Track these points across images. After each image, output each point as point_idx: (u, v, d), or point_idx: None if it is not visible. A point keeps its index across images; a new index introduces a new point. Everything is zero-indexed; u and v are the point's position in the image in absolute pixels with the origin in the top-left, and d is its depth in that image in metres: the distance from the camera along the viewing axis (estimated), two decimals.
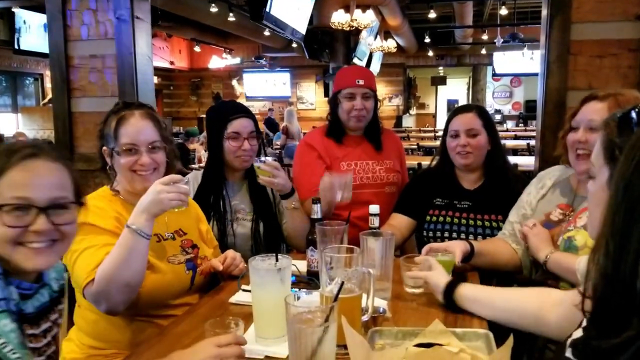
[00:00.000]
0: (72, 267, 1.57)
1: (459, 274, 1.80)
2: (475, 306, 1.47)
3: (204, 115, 2.45)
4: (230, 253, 1.85)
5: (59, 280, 1.29)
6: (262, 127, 12.87)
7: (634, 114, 0.83)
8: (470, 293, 1.49)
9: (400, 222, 2.29)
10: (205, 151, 2.41)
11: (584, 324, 0.91)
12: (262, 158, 2.10)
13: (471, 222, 2.17)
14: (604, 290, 0.82)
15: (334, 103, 2.52)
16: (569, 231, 1.70)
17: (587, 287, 0.86)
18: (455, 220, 2.19)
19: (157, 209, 1.55)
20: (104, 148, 1.75)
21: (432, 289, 1.57)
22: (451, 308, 1.50)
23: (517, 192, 2.06)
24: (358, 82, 2.43)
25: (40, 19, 8.97)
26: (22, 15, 9.07)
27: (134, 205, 1.67)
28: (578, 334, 0.93)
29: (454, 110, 2.33)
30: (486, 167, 2.24)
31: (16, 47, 9.27)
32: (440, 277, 1.56)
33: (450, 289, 1.51)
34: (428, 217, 2.25)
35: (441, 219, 2.22)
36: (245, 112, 2.24)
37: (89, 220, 1.61)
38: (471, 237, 2.14)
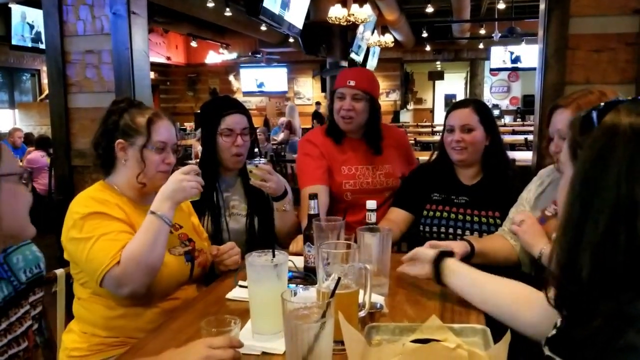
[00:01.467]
0: (85, 254, 1.57)
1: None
2: (456, 280, 1.51)
3: None
4: (228, 244, 1.91)
5: (32, 270, 1.26)
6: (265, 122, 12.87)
7: (594, 114, 0.86)
8: (455, 266, 1.54)
9: (398, 217, 2.29)
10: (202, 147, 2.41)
11: (558, 323, 0.93)
12: (256, 160, 2.10)
13: (468, 217, 2.17)
14: (562, 282, 0.86)
15: (330, 103, 2.54)
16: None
17: (547, 279, 0.91)
18: (452, 215, 2.19)
19: (180, 197, 1.66)
20: (119, 141, 1.75)
21: (421, 258, 1.62)
22: (437, 280, 1.56)
23: (516, 189, 2.05)
24: (349, 82, 2.42)
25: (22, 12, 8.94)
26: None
27: (135, 201, 1.75)
28: (553, 332, 0.94)
29: (452, 105, 2.33)
30: (484, 162, 2.24)
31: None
32: (429, 250, 1.62)
33: (439, 259, 1.56)
34: (425, 212, 2.25)
35: (438, 214, 2.22)
36: (239, 108, 2.25)
37: (97, 209, 1.64)
38: (467, 232, 2.14)
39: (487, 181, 2.23)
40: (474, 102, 2.28)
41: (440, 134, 2.34)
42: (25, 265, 1.23)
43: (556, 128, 1.69)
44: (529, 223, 1.77)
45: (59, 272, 1.79)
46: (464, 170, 2.26)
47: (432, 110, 18.51)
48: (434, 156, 2.37)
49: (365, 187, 2.48)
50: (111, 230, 1.60)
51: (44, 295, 1.31)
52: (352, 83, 2.42)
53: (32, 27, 9.34)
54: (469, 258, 1.83)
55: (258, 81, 16.02)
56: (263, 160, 2.12)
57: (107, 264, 1.54)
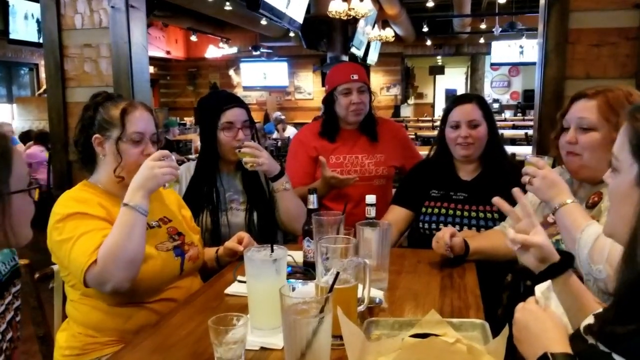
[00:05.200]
0: (67, 255, 1.55)
1: (457, 264, 1.81)
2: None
3: None
4: (245, 235, 1.87)
5: (9, 263, 1.26)
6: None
7: None
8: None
9: (399, 216, 2.26)
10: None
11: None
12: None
13: (466, 213, 2.16)
14: (633, 287, 0.83)
15: (329, 101, 2.60)
16: (559, 234, 1.68)
17: (619, 274, 0.87)
18: (451, 211, 2.18)
19: (152, 184, 1.60)
20: (96, 136, 1.73)
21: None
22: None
23: (514, 183, 2.03)
24: (353, 77, 2.53)
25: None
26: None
27: (117, 196, 1.70)
28: (590, 320, 0.95)
29: (453, 100, 2.30)
30: (484, 157, 2.22)
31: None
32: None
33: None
34: (424, 209, 2.23)
35: (437, 210, 2.20)
36: (238, 102, 2.25)
37: (77, 209, 1.61)
38: (466, 228, 2.13)
39: (485, 176, 2.21)
40: (475, 97, 2.28)
41: (439, 129, 2.31)
42: (3, 258, 1.24)
43: (577, 117, 1.61)
44: (540, 175, 1.56)
45: (56, 267, 1.78)
46: (464, 166, 2.25)
47: (432, 105, 18.49)
48: (433, 151, 2.36)
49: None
50: (91, 228, 1.57)
51: (21, 287, 1.32)
52: (356, 77, 2.53)
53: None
54: (463, 257, 1.84)
55: (258, 76, 15.93)
56: (249, 142, 2.14)
57: (85, 261, 1.51)
